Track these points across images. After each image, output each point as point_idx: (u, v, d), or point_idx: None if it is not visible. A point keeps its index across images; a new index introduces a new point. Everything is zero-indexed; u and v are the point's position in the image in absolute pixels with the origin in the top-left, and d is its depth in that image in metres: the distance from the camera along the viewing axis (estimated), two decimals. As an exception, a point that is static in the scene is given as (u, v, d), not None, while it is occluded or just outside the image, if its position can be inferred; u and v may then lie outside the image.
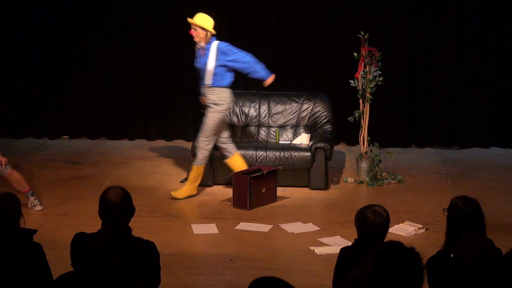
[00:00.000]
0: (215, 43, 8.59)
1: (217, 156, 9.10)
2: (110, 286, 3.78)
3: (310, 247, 7.50)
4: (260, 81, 8.88)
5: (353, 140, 10.66)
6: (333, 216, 8.39)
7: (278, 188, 8.90)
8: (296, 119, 9.81)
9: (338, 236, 7.74)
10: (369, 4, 10.89)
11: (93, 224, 5.20)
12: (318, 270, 6.91)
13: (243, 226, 8.08)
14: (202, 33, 8.54)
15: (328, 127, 9.65)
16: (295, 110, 9.83)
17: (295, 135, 9.74)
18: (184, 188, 8.89)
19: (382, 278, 3.65)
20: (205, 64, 8.58)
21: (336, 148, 10.35)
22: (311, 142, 9.38)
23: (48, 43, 11.15)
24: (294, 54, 11.07)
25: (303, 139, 9.57)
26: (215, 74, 8.59)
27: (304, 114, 9.79)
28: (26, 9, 11.10)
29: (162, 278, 4.85)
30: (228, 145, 8.96)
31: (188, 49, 10.66)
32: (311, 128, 9.72)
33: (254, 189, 8.55)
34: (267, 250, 7.47)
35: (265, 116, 9.85)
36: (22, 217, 4.89)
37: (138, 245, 4.71)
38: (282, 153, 9.20)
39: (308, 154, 9.17)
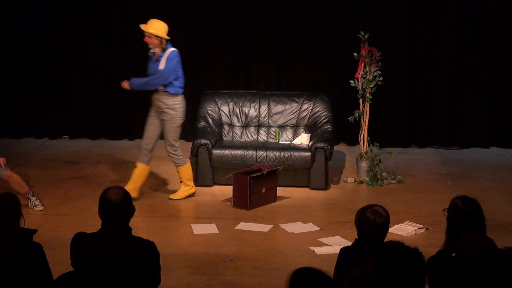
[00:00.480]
0: (169, 50, 8.50)
1: (217, 156, 9.11)
2: (110, 286, 3.78)
3: (310, 247, 7.50)
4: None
5: (353, 140, 10.65)
6: (333, 216, 8.39)
7: (278, 188, 8.89)
8: (296, 119, 9.80)
9: (338, 236, 7.75)
10: (369, 4, 10.88)
11: (93, 224, 5.20)
12: (318, 270, 6.91)
13: (243, 226, 8.07)
14: (156, 40, 8.49)
15: (328, 127, 9.64)
16: (295, 110, 9.82)
17: (295, 135, 9.73)
18: (181, 188, 8.87)
19: (385, 277, 3.64)
20: (156, 70, 8.53)
21: (336, 148, 10.35)
22: (311, 142, 9.38)
23: (48, 43, 11.14)
24: (294, 54, 11.06)
25: (303, 139, 9.56)
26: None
27: (304, 114, 9.79)
28: (26, 9, 11.09)
29: (162, 278, 4.85)
30: (145, 154, 8.73)
31: (188, 49, 10.68)
32: (311, 128, 9.71)
33: (254, 189, 8.54)
34: (267, 250, 7.47)
35: (265, 116, 9.84)
36: (22, 217, 4.88)
37: (138, 245, 4.71)
38: (282, 153, 9.19)
39: (308, 154, 9.16)
